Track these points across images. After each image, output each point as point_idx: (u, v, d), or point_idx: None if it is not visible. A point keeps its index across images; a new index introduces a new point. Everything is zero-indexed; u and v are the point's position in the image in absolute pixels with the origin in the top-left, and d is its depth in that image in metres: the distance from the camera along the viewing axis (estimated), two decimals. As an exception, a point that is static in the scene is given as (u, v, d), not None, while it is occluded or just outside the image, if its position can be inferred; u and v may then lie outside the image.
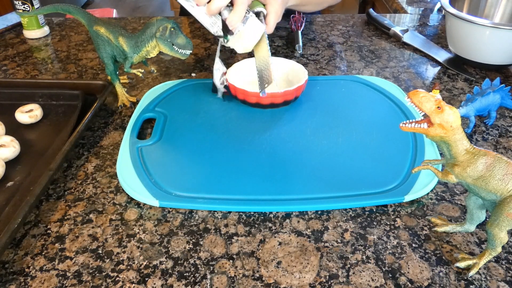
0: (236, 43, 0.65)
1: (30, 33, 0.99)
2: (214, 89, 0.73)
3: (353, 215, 0.53)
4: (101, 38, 0.69)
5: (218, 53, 0.70)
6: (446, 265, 0.47)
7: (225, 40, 0.65)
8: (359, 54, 0.91)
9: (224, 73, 0.71)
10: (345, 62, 0.88)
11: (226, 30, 0.63)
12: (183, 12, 1.23)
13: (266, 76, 0.63)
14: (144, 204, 0.55)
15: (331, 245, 0.49)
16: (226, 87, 0.72)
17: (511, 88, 0.71)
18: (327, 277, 0.46)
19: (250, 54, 0.90)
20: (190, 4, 0.63)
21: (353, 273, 0.46)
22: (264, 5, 0.69)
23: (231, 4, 0.62)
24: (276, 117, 0.69)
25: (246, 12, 0.63)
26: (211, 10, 0.61)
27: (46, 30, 1.01)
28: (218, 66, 0.71)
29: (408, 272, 0.46)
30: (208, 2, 0.61)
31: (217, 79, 0.71)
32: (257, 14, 0.67)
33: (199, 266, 0.47)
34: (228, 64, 0.75)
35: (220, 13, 0.63)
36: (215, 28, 0.65)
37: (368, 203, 0.54)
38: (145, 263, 0.48)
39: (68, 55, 0.92)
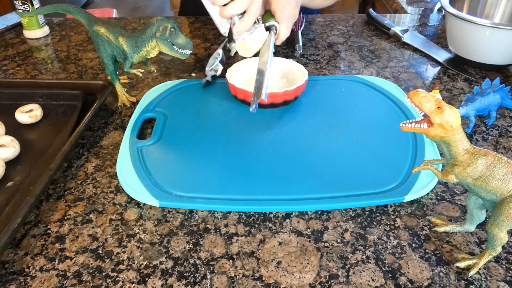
0: (239, 47, 0.67)
1: (30, 33, 0.99)
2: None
3: (353, 215, 0.53)
4: (101, 38, 0.69)
5: (222, 45, 0.71)
6: (446, 265, 0.47)
7: (228, 45, 0.67)
8: (359, 54, 0.91)
9: (222, 63, 0.73)
10: (345, 62, 0.88)
11: (231, 36, 0.65)
12: (183, 12, 1.23)
13: (259, 87, 0.63)
14: (144, 204, 0.55)
15: (331, 245, 0.49)
16: (213, 77, 0.73)
17: (511, 88, 0.71)
18: (327, 277, 0.46)
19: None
20: (208, 0, 0.64)
21: (353, 273, 0.46)
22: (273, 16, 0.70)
23: (243, 13, 0.64)
24: (276, 117, 0.69)
25: (255, 22, 0.65)
26: (224, 14, 0.63)
27: (46, 30, 1.01)
28: (216, 55, 0.72)
29: (408, 272, 0.46)
30: (224, 5, 0.63)
31: (208, 66, 0.73)
32: (269, 28, 0.68)
33: (199, 266, 0.47)
34: (228, 64, 0.75)
35: (232, 18, 0.64)
36: (224, 29, 0.66)
37: (368, 203, 0.54)
38: (145, 263, 0.48)
39: (68, 55, 0.92)
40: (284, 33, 0.70)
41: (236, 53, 0.69)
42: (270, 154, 0.61)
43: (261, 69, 0.64)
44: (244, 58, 0.74)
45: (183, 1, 1.26)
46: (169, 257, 0.48)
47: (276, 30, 0.69)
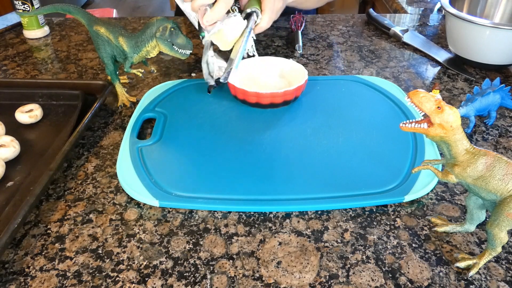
0: (218, 39, 0.65)
1: (30, 33, 0.99)
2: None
3: (353, 215, 0.53)
4: (101, 38, 0.69)
5: (208, 46, 0.70)
6: (446, 265, 0.47)
7: (201, 37, 0.66)
8: (359, 54, 0.91)
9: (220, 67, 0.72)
10: (345, 62, 0.88)
11: (200, 27, 0.64)
12: (179, 11, 1.23)
13: (230, 62, 0.62)
14: (144, 204, 0.55)
15: (331, 245, 0.49)
16: (217, 81, 0.72)
17: (511, 88, 0.71)
18: (327, 277, 0.46)
19: (249, 55, 0.90)
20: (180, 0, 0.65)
21: (353, 273, 0.46)
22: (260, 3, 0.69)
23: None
24: (276, 117, 0.69)
25: (231, 12, 0.63)
26: (193, 7, 0.62)
27: (46, 30, 1.01)
28: (206, 59, 0.71)
29: (408, 272, 0.46)
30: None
31: (205, 72, 0.72)
32: (250, 14, 0.67)
33: (199, 266, 0.47)
34: (228, 64, 0.75)
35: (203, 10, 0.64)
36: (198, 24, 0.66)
37: (368, 203, 0.54)
38: (145, 263, 0.48)
39: (68, 55, 0.92)
40: (265, 22, 0.68)
41: (211, 45, 0.68)
42: (270, 154, 0.61)
43: (233, 55, 0.62)
44: (243, 58, 0.74)
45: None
46: (169, 257, 0.48)
47: (257, 17, 0.67)
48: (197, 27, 0.66)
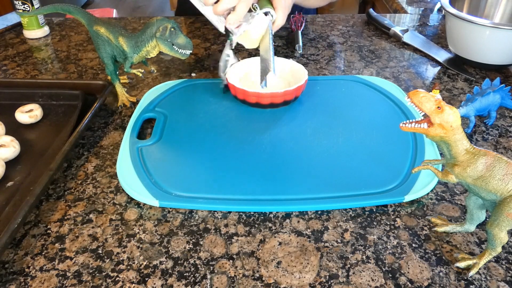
0: (243, 39, 0.66)
1: (30, 33, 0.99)
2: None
3: (353, 215, 0.53)
4: (101, 38, 0.69)
5: (228, 45, 0.71)
6: (446, 265, 0.47)
7: (229, 40, 0.66)
8: (359, 54, 0.91)
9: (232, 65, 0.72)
10: (345, 62, 0.88)
11: (228, 30, 0.64)
12: (180, 11, 1.23)
13: (266, 66, 0.63)
14: (144, 204, 0.55)
15: (331, 245, 0.49)
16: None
17: (511, 88, 0.71)
18: (327, 277, 0.46)
19: (250, 54, 0.90)
20: (200, 3, 0.65)
21: (353, 273, 0.46)
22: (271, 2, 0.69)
23: None
24: (276, 117, 0.69)
25: (251, 11, 0.64)
26: (217, 11, 0.63)
27: (46, 30, 1.01)
28: (226, 57, 0.71)
29: (408, 272, 0.46)
30: (215, 3, 0.62)
31: (221, 70, 0.72)
32: (265, 15, 0.68)
33: (199, 266, 0.47)
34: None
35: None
36: (223, 28, 0.66)
37: (368, 203, 0.54)
38: (145, 263, 0.48)
39: (68, 55, 0.92)
40: (280, 19, 0.69)
41: (238, 45, 0.69)
42: (270, 154, 0.61)
43: (264, 54, 0.63)
44: (244, 58, 0.74)
45: (180, 1, 1.26)
46: (169, 257, 0.48)
47: (272, 17, 0.68)
48: (221, 30, 0.66)
